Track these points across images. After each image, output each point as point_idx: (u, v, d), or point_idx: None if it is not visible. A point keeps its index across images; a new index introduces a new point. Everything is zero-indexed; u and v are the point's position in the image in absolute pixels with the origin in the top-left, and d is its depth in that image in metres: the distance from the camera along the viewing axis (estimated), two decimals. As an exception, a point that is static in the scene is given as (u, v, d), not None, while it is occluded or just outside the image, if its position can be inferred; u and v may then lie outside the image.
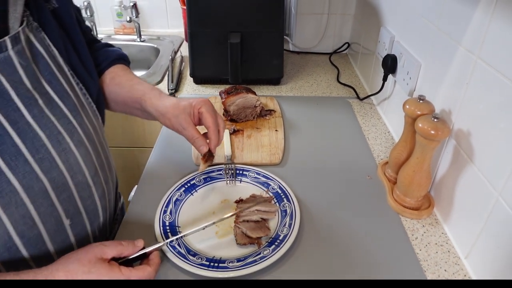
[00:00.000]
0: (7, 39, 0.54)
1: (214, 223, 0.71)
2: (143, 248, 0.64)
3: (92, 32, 0.87)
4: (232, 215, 0.73)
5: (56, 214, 0.60)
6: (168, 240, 0.68)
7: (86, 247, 0.59)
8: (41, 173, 0.57)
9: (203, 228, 0.70)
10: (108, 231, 0.76)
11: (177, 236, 0.70)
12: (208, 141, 0.77)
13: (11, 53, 0.55)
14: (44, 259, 0.59)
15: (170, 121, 0.76)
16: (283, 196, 0.82)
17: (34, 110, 0.57)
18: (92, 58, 0.75)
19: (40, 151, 0.57)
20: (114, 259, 0.60)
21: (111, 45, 0.88)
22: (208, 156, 0.79)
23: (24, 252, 0.57)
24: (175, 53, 1.58)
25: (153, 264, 0.63)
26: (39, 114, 0.58)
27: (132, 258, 0.63)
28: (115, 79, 0.82)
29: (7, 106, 0.54)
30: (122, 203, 0.90)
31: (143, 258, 0.64)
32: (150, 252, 0.65)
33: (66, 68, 0.66)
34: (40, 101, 0.58)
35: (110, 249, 0.59)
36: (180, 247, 0.70)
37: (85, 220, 0.66)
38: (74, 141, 0.63)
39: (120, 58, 0.86)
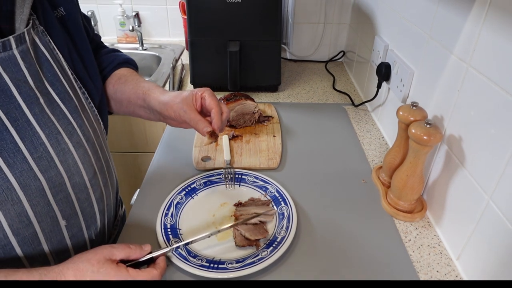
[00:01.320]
0: (11, 38, 0.55)
1: (219, 231, 0.71)
2: (150, 252, 0.65)
3: (101, 40, 0.88)
4: (234, 225, 0.74)
5: (52, 214, 0.60)
6: (174, 246, 0.68)
7: (95, 248, 0.59)
8: (38, 172, 0.57)
9: (209, 236, 0.70)
10: (106, 236, 0.76)
11: (183, 242, 0.69)
12: (211, 122, 0.77)
13: (15, 52, 0.55)
14: (38, 259, 0.60)
15: (173, 109, 0.75)
16: (280, 200, 0.83)
17: (35, 109, 0.57)
18: (99, 62, 0.76)
19: (39, 149, 0.57)
20: (122, 261, 0.61)
21: (118, 51, 0.89)
22: (212, 133, 0.78)
23: (19, 251, 0.57)
24: (176, 61, 1.60)
25: (159, 267, 0.63)
26: (40, 113, 0.58)
27: (140, 261, 0.63)
28: (121, 79, 0.82)
29: (9, 103, 0.54)
30: (124, 210, 0.89)
31: (150, 262, 0.65)
32: (157, 257, 0.65)
33: (69, 72, 0.66)
34: (42, 100, 0.58)
35: (119, 251, 0.60)
36: (181, 249, 0.71)
37: (82, 223, 0.66)
38: (73, 142, 0.63)
39: (127, 62, 0.87)
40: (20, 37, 0.56)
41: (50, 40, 0.63)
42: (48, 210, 0.59)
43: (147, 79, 1.46)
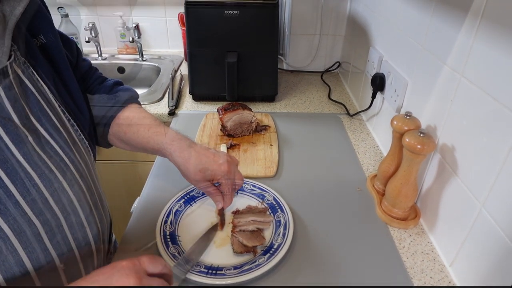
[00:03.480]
0: None
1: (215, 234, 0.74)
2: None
3: (92, 65, 0.84)
4: (220, 213, 0.78)
5: (49, 259, 0.55)
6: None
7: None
8: (33, 216, 0.52)
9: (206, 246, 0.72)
10: None
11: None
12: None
13: None
14: None
15: (191, 181, 0.81)
16: (277, 207, 0.84)
17: (24, 148, 0.53)
18: (107, 98, 0.75)
19: (32, 191, 0.53)
20: None
21: (121, 83, 0.86)
22: (221, 210, 0.83)
23: None
24: (175, 71, 1.61)
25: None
26: (30, 152, 0.53)
27: None
28: (132, 126, 0.80)
29: None
30: (114, 240, 0.86)
31: None
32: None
33: (56, 104, 0.61)
34: (30, 138, 0.54)
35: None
36: (180, 255, 0.72)
37: (80, 264, 0.62)
38: (67, 180, 0.59)
39: (132, 98, 0.85)
40: (3, 71, 0.51)
41: (34, 71, 0.58)
42: (45, 255, 0.55)
43: (146, 89, 1.49)
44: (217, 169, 0.79)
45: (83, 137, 0.68)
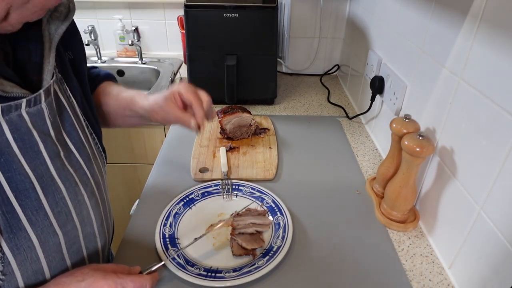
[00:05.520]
0: (42, 92, 0.53)
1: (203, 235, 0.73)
2: (141, 272, 0.63)
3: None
4: (225, 222, 0.76)
5: (64, 267, 0.59)
6: (161, 264, 0.67)
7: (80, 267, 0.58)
8: (57, 227, 0.56)
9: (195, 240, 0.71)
10: None
11: (159, 264, 0.67)
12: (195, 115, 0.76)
13: (43, 106, 0.54)
14: None
15: (158, 114, 0.76)
16: (276, 210, 0.84)
17: (57, 163, 0.56)
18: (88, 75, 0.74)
19: (59, 204, 0.56)
20: None
21: (95, 67, 0.88)
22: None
23: None
24: (175, 74, 1.61)
25: (152, 275, 0.62)
26: (61, 166, 0.57)
27: None
28: (104, 92, 0.81)
29: (36, 159, 0.53)
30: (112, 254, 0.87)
31: None
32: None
33: (82, 119, 0.65)
34: (62, 153, 0.57)
35: (105, 265, 0.59)
36: (179, 258, 0.72)
37: None
38: (88, 193, 0.62)
39: (108, 76, 0.86)
40: (48, 90, 0.55)
41: (67, 87, 0.62)
42: (62, 264, 0.58)
43: (146, 92, 1.49)
44: (174, 88, 0.76)
45: (100, 147, 0.71)
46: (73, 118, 0.61)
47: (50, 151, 0.55)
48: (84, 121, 0.66)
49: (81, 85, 0.67)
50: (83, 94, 0.67)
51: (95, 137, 0.69)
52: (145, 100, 0.78)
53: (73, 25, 0.66)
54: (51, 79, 0.56)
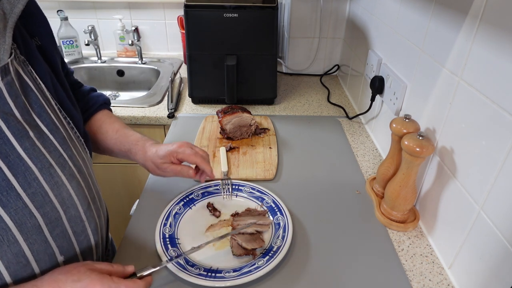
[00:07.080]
0: None
1: (209, 242, 0.72)
2: (134, 273, 0.62)
3: (74, 75, 0.88)
4: (226, 235, 0.75)
5: (50, 251, 0.58)
6: (156, 269, 0.65)
7: (75, 263, 0.57)
8: (34, 208, 0.54)
9: (198, 247, 0.71)
10: None
11: (161, 266, 0.66)
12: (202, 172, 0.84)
13: (0, 84, 0.52)
14: None
15: (156, 172, 0.83)
16: (276, 210, 0.84)
17: (25, 143, 0.54)
18: (80, 103, 0.76)
19: (32, 185, 0.55)
20: None
21: (95, 90, 0.89)
22: (201, 172, 0.84)
23: None
24: (175, 74, 1.61)
25: (145, 280, 0.61)
26: (31, 147, 0.55)
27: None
28: (101, 130, 0.84)
29: None
30: (111, 240, 0.88)
31: None
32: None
33: (53, 102, 0.63)
34: (31, 134, 0.56)
35: (100, 264, 0.58)
36: (179, 258, 0.72)
37: (79, 257, 0.64)
38: (66, 174, 0.61)
39: (105, 103, 0.88)
40: (4, 68, 0.53)
41: (32, 69, 0.60)
42: (46, 247, 0.57)
43: (146, 92, 1.50)
44: (170, 146, 0.82)
45: (79, 134, 0.70)
46: (42, 100, 0.60)
47: (14, 130, 0.53)
48: (56, 105, 0.64)
49: (53, 72, 0.67)
50: (56, 80, 0.66)
51: (70, 121, 0.68)
52: (144, 155, 0.82)
53: (37, 10, 0.66)
54: (8, 58, 0.55)
